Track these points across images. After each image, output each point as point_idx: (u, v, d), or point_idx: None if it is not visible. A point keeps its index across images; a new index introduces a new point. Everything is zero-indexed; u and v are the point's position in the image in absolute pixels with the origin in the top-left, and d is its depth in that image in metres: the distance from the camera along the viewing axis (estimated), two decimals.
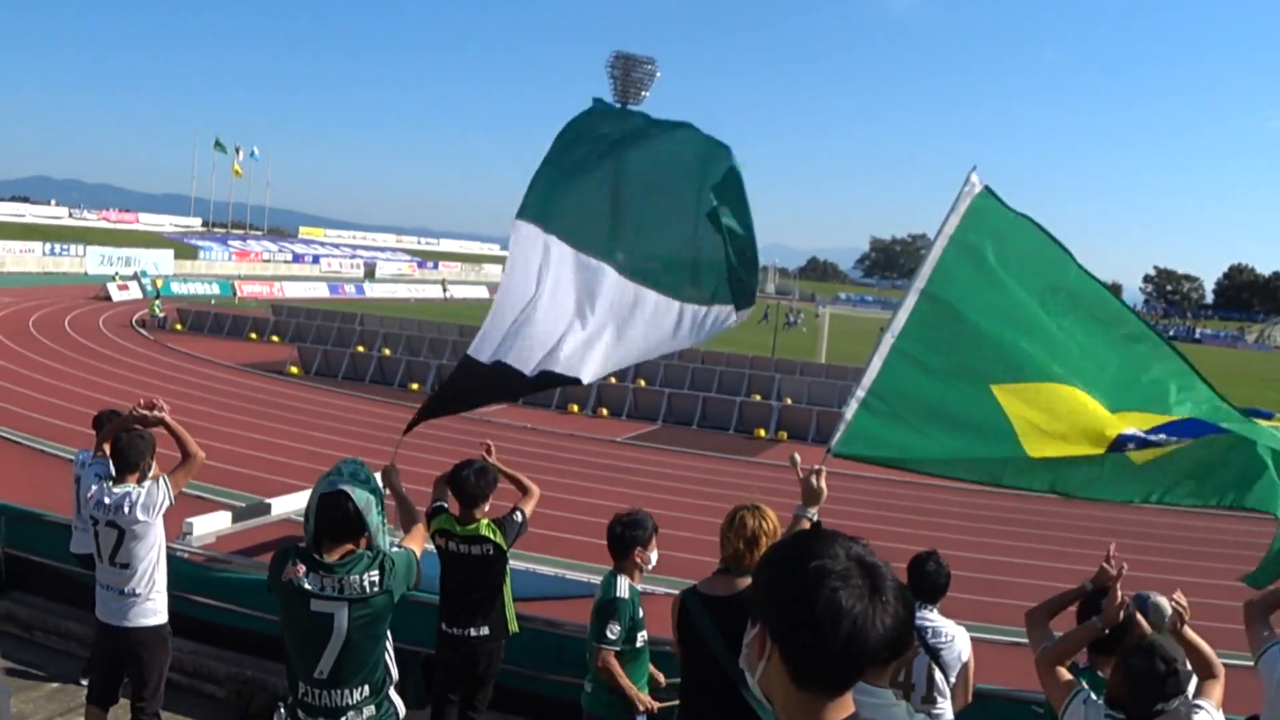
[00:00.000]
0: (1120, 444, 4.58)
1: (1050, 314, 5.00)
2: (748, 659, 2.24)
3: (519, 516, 7.48)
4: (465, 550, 7.18)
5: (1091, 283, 5.12)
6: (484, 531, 7.24)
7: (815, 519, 4.64)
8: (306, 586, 4.89)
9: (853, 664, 2.12)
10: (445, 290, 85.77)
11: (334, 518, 4.91)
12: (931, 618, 6.24)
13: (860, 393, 4.76)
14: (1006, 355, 4.84)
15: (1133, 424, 4.68)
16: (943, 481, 4.79)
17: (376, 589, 4.95)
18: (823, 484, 4.63)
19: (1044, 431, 4.64)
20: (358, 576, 4.92)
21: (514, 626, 7.58)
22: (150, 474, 7.11)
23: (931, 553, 6.43)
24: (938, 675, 6.14)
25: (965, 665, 6.29)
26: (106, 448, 7.30)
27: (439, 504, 7.39)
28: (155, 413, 6.95)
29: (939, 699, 6.13)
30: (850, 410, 4.72)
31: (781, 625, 2.12)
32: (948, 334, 4.91)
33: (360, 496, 4.91)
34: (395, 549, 5.24)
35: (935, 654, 6.10)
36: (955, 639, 6.26)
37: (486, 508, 7.35)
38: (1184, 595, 5.35)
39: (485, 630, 7.35)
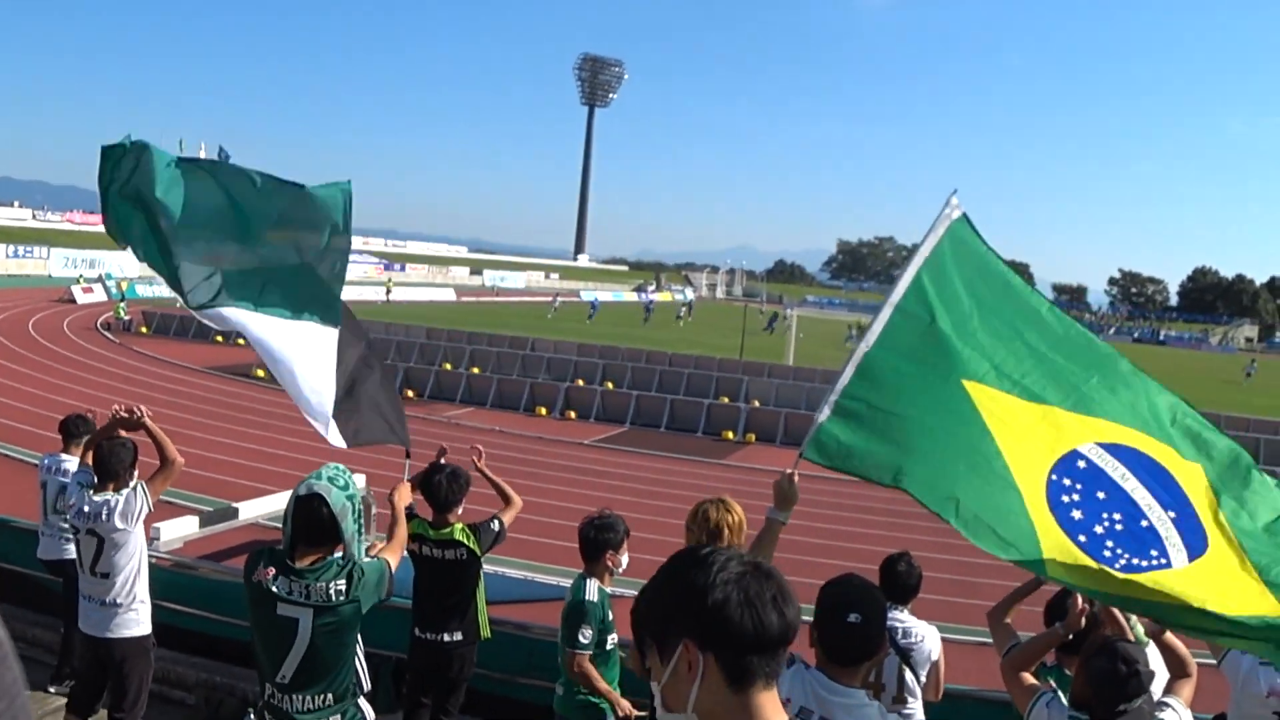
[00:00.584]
0: (1073, 459, 4.55)
1: (1020, 330, 5.02)
2: (670, 693, 2.24)
3: (496, 525, 7.48)
4: (439, 555, 7.18)
5: (1058, 311, 5.15)
6: (458, 536, 7.23)
7: (786, 521, 4.66)
8: (274, 589, 4.91)
9: (782, 647, 2.21)
10: (388, 293, 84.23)
11: (308, 520, 4.92)
12: (902, 618, 6.29)
13: (833, 397, 4.78)
14: (976, 360, 4.86)
15: (1095, 432, 4.65)
16: None
17: (343, 598, 4.95)
18: (795, 488, 4.65)
19: (1009, 426, 4.64)
20: (324, 584, 4.92)
21: (486, 631, 7.58)
22: (130, 483, 7.08)
23: (903, 554, 6.48)
24: (908, 675, 6.18)
25: (935, 665, 6.35)
26: (89, 456, 7.28)
27: (407, 511, 7.38)
28: (137, 416, 6.95)
29: (910, 699, 6.18)
30: (823, 414, 4.73)
31: (716, 627, 2.16)
32: (920, 341, 4.93)
33: (336, 500, 4.91)
34: (368, 559, 5.24)
35: (906, 654, 6.15)
36: (925, 639, 6.30)
37: (460, 511, 7.34)
38: None
39: (458, 635, 7.34)
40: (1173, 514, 4.36)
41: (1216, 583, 4.19)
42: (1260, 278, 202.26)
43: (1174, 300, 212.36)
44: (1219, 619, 4.05)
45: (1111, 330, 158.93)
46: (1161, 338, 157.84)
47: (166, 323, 44.85)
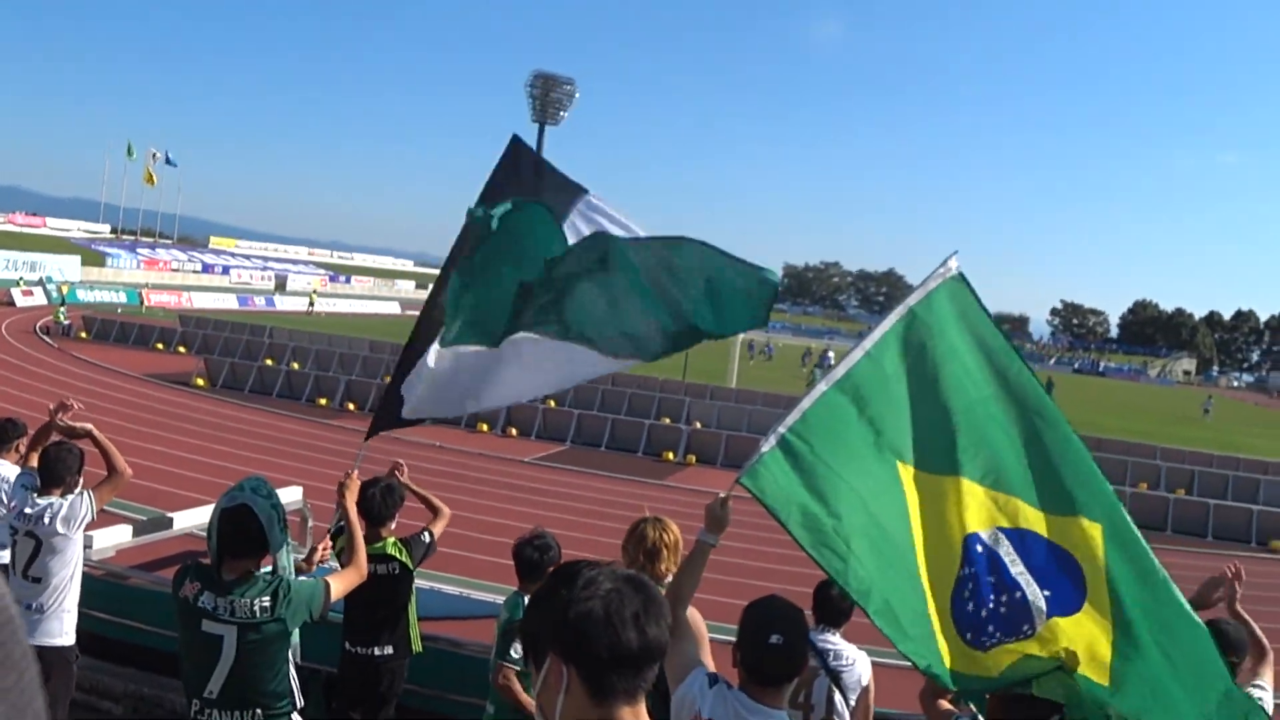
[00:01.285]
0: (973, 543, 4.60)
1: (979, 401, 5.04)
2: (541, 702, 2.37)
3: (427, 537, 7.48)
4: (371, 569, 7.16)
5: (1033, 382, 5.17)
6: (390, 550, 7.22)
7: (716, 544, 4.70)
8: (200, 605, 4.87)
9: (644, 660, 2.30)
10: (311, 305, 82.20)
11: (235, 533, 4.89)
12: (834, 641, 6.33)
13: (781, 428, 4.78)
14: (919, 432, 4.88)
15: (1004, 516, 4.69)
16: None
17: (268, 615, 4.91)
18: (727, 512, 4.68)
19: (930, 518, 4.68)
20: (249, 600, 4.88)
21: (418, 646, 7.57)
22: (75, 489, 7.03)
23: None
24: (838, 698, 6.21)
25: (865, 689, 6.38)
26: (34, 459, 7.23)
27: (342, 524, 7.36)
28: (66, 418, 6.92)
29: None
30: (767, 445, 4.74)
31: (574, 641, 2.27)
32: (877, 398, 4.95)
33: (262, 510, 4.90)
34: (304, 578, 5.23)
35: (836, 677, 6.18)
36: (856, 663, 6.34)
37: (393, 526, 7.34)
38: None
39: (389, 649, 7.33)
40: (1047, 593, 4.45)
41: (1072, 640, 4.33)
42: (1199, 312, 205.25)
43: (1114, 332, 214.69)
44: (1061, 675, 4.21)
45: (1052, 360, 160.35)
46: (1101, 369, 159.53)
47: (106, 328, 44.49)
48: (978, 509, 4.67)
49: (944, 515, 4.68)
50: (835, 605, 6.35)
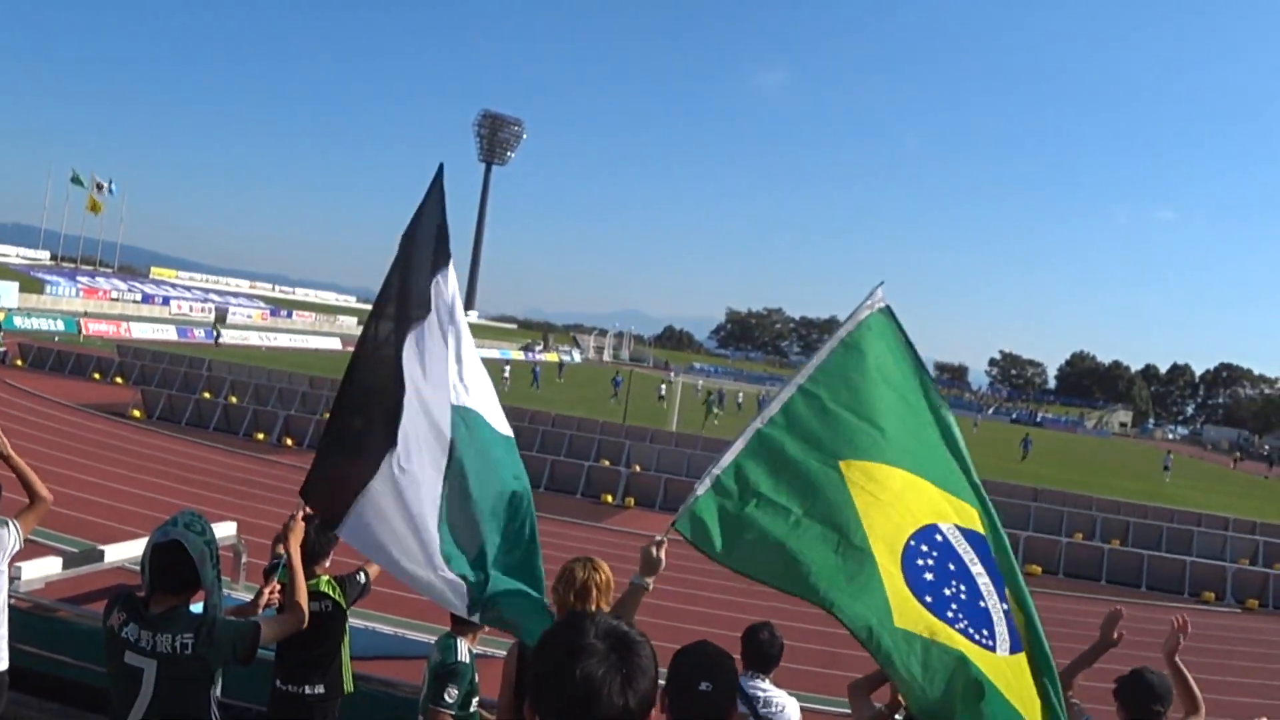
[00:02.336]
0: (932, 531, 4.69)
1: (913, 421, 5.17)
2: None
3: (363, 577, 7.39)
4: None
5: (944, 409, 5.31)
6: (324, 588, 7.14)
7: (650, 587, 4.70)
8: (124, 635, 4.80)
9: None
10: (218, 336, 79.78)
11: (166, 568, 4.82)
12: (763, 687, 6.33)
13: (715, 471, 4.86)
14: (860, 437, 4.98)
15: (955, 514, 4.81)
16: None
17: (188, 652, 4.80)
18: (662, 555, 4.70)
19: (879, 500, 4.75)
20: (170, 635, 4.79)
21: (349, 686, 7.49)
22: None
23: (765, 623, 6.53)
24: None
25: None
26: None
27: (276, 560, 7.28)
28: None
29: None
30: (701, 488, 4.80)
31: (541, 698, 2.35)
32: (812, 421, 5.03)
33: (194, 547, 4.81)
34: (236, 619, 5.16)
35: None
36: (786, 708, 6.34)
37: (327, 564, 7.27)
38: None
39: (320, 689, 7.22)
40: (1005, 607, 4.52)
41: (1023, 684, 4.38)
42: (1136, 364, 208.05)
43: (1052, 383, 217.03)
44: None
45: (990, 410, 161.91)
46: (1039, 419, 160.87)
47: (43, 357, 44.04)
48: (932, 504, 4.82)
49: (896, 499, 4.80)
50: (764, 650, 6.35)
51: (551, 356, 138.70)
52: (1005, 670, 4.36)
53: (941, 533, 4.71)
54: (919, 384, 5.36)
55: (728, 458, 4.91)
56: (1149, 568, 26.95)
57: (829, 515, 4.73)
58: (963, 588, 4.53)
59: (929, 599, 4.46)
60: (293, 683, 7.19)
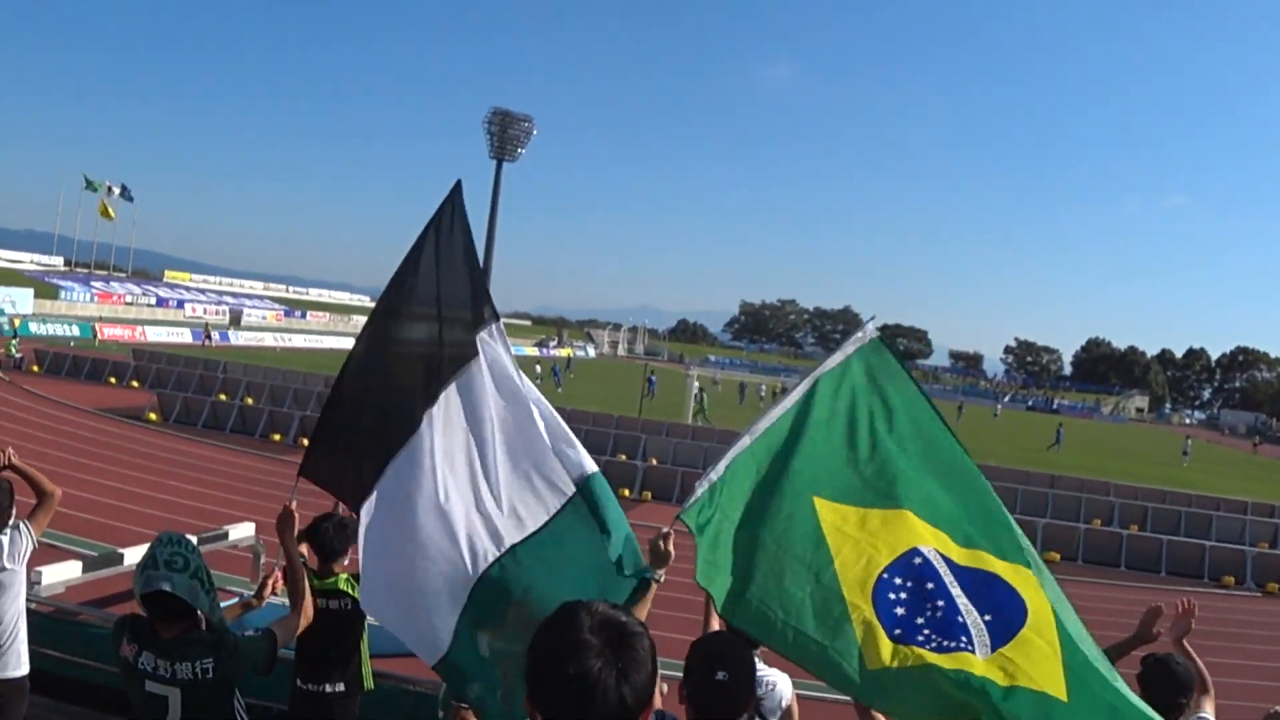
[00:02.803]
0: (911, 555, 4.66)
1: (900, 450, 5.14)
2: None
3: None
4: (323, 605, 7.03)
5: (949, 438, 5.25)
6: (342, 586, 7.17)
7: (661, 580, 4.69)
8: (140, 666, 4.76)
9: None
10: (207, 336, 77.42)
11: (158, 613, 4.74)
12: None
13: (713, 475, 4.89)
14: (836, 479, 4.98)
15: (937, 543, 4.77)
16: None
17: (209, 675, 4.78)
18: (669, 547, 4.69)
19: (851, 537, 4.75)
20: (188, 664, 4.74)
21: (369, 683, 7.51)
22: (9, 521, 6.95)
23: None
24: None
25: (788, 710, 6.36)
26: None
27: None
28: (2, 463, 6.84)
29: None
30: (702, 487, 4.83)
31: (538, 694, 2.38)
32: (791, 446, 5.04)
33: (181, 585, 4.67)
34: (249, 635, 5.08)
35: (757, 702, 6.13)
36: (777, 685, 6.29)
37: (346, 561, 7.28)
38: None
39: (340, 686, 7.26)
40: (988, 617, 4.48)
41: (1035, 659, 4.34)
42: (1151, 350, 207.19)
43: (1068, 370, 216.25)
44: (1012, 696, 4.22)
45: (1006, 398, 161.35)
46: (1055, 406, 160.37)
47: (59, 362, 44.13)
48: (912, 531, 4.76)
49: (871, 535, 4.75)
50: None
51: (566, 352, 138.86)
52: (1005, 662, 4.34)
53: (922, 555, 4.67)
54: (912, 416, 5.29)
55: (721, 464, 4.93)
56: (1168, 552, 26.83)
57: (802, 551, 4.72)
58: (940, 604, 4.47)
59: (898, 632, 4.42)
60: (313, 681, 7.22)
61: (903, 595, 4.54)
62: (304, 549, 7.26)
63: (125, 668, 4.82)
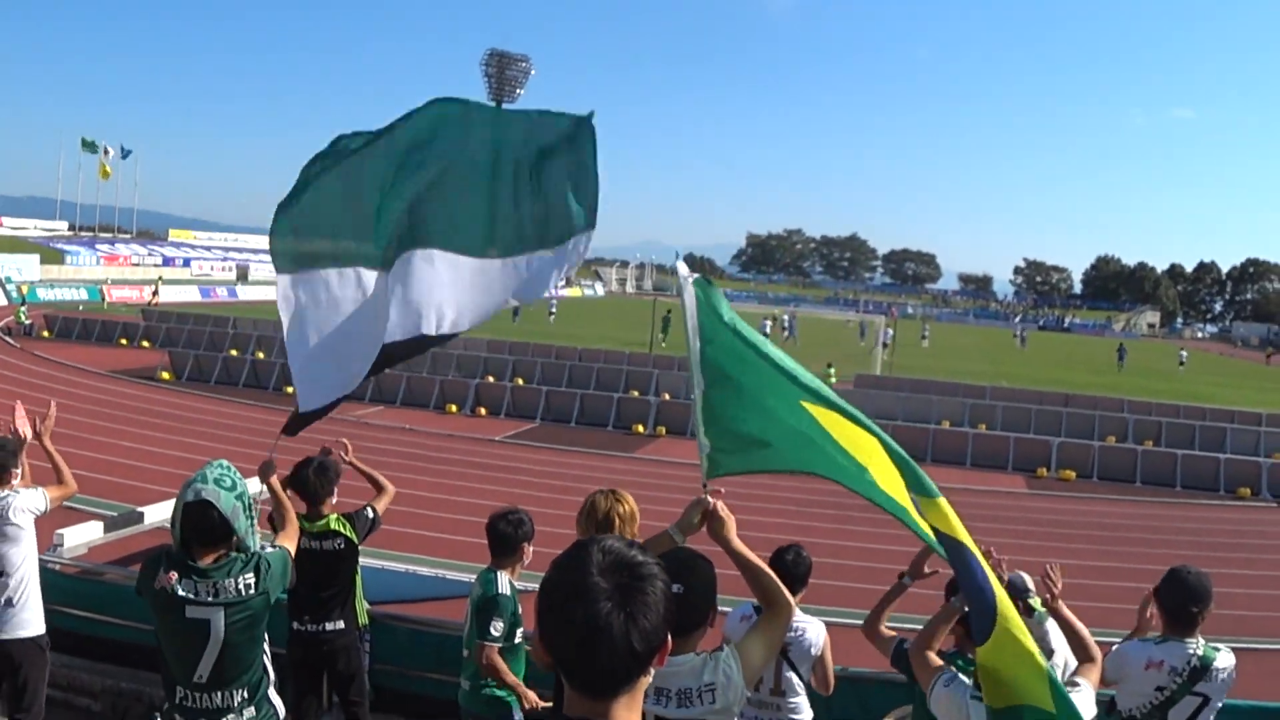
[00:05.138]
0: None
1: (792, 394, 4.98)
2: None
3: (370, 513, 7.60)
4: (317, 546, 7.25)
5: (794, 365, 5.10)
6: (334, 526, 7.36)
7: (682, 540, 4.63)
8: (180, 593, 4.88)
9: (599, 669, 2.29)
10: (155, 295, 71.44)
11: (199, 526, 4.91)
12: None
13: (700, 433, 4.76)
14: (801, 384, 4.84)
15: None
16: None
17: (253, 591, 4.98)
18: (698, 519, 4.57)
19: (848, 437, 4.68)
20: (233, 580, 4.94)
21: (364, 619, 7.79)
22: (20, 480, 7.04)
23: (791, 545, 6.49)
24: (786, 670, 6.21)
25: (820, 658, 6.35)
26: None
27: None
28: (25, 432, 6.95)
29: (789, 693, 6.20)
30: (704, 444, 4.73)
31: (545, 637, 2.32)
32: (740, 368, 4.88)
33: (226, 503, 4.91)
34: (270, 549, 5.27)
35: (784, 647, 6.11)
36: (806, 631, 6.30)
37: (334, 502, 7.45)
38: (1058, 572, 5.59)
39: (340, 624, 7.44)
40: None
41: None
42: (1161, 265, 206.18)
43: (1078, 288, 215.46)
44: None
45: (1018, 318, 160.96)
46: (1066, 325, 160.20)
47: (69, 326, 44.16)
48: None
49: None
50: (791, 572, 6.20)
51: (575, 291, 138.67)
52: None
53: None
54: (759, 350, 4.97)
55: (699, 427, 4.82)
56: (1183, 467, 26.90)
57: (809, 429, 4.67)
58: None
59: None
60: (312, 621, 7.37)
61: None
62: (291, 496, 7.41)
63: (163, 598, 4.92)
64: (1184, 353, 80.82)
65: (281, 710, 5.50)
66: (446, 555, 14.04)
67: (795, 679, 6.23)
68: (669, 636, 2.38)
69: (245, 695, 5.13)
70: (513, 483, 20.28)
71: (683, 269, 5.20)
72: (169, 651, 5.09)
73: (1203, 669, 5.62)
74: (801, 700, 6.27)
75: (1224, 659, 5.70)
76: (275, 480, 6.47)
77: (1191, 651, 5.66)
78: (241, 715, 5.12)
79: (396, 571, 11.65)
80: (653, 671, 2.36)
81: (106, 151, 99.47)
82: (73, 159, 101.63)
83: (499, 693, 6.52)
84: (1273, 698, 6.10)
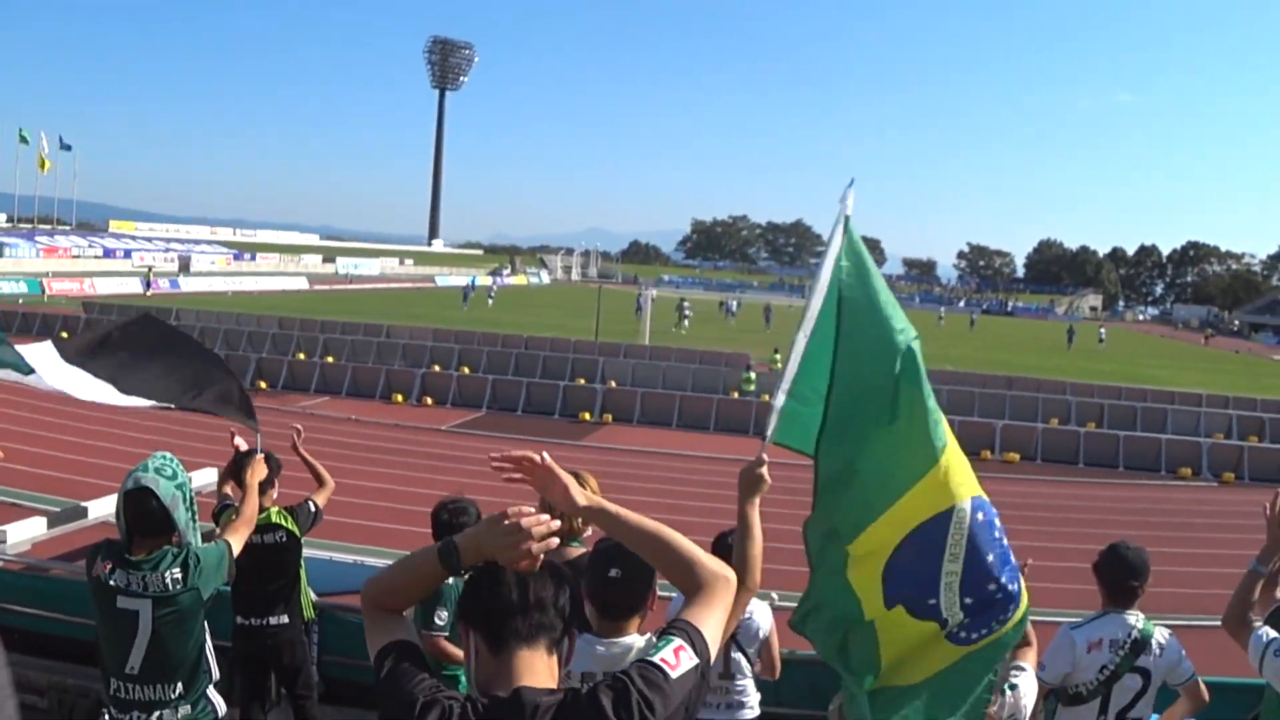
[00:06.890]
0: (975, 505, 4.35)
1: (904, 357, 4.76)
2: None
3: (312, 506, 7.59)
4: (259, 539, 7.12)
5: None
6: (275, 519, 7.33)
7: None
8: (112, 583, 4.95)
9: (496, 621, 2.77)
10: (148, 285, 73.90)
11: (138, 514, 4.97)
12: None
13: (785, 384, 4.61)
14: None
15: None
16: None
17: (180, 586, 5.01)
18: (764, 473, 4.50)
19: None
20: (158, 575, 4.97)
21: (309, 613, 7.79)
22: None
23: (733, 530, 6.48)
24: (734, 652, 6.23)
25: (765, 641, 6.38)
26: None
27: (226, 503, 7.37)
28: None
29: (737, 676, 6.21)
30: (779, 401, 4.61)
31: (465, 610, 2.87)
32: (854, 346, 4.68)
33: (165, 490, 4.95)
34: (207, 545, 5.27)
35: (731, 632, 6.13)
36: (753, 614, 6.30)
37: (275, 495, 7.41)
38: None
39: (284, 618, 7.42)
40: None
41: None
42: (1103, 249, 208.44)
43: (1020, 272, 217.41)
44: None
45: (961, 303, 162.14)
46: (1010, 309, 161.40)
47: (8, 320, 43.59)
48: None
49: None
50: (728, 554, 6.20)
51: (520, 279, 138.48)
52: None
53: (983, 509, 4.38)
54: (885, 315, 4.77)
55: (789, 374, 4.69)
56: (1125, 448, 27.30)
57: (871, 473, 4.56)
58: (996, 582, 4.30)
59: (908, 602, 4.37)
60: (256, 615, 7.35)
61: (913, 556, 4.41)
62: (229, 489, 7.44)
63: (97, 587, 5.00)
64: (1103, 330, 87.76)
65: (221, 708, 5.51)
66: (394, 545, 13.99)
67: (744, 661, 6.25)
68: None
69: (179, 690, 5.16)
70: (460, 472, 20.18)
71: (850, 199, 5.07)
72: (104, 642, 5.16)
73: (1144, 641, 5.69)
74: (749, 683, 6.28)
75: (1162, 633, 5.78)
76: (253, 476, 6.48)
77: (1132, 624, 5.72)
78: (176, 711, 5.15)
79: (344, 563, 11.61)
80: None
81: (44, 144, 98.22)
82: (9, 150, 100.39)
83: (449, 671, 6.49)
84: (1212, 672, 6.15)
